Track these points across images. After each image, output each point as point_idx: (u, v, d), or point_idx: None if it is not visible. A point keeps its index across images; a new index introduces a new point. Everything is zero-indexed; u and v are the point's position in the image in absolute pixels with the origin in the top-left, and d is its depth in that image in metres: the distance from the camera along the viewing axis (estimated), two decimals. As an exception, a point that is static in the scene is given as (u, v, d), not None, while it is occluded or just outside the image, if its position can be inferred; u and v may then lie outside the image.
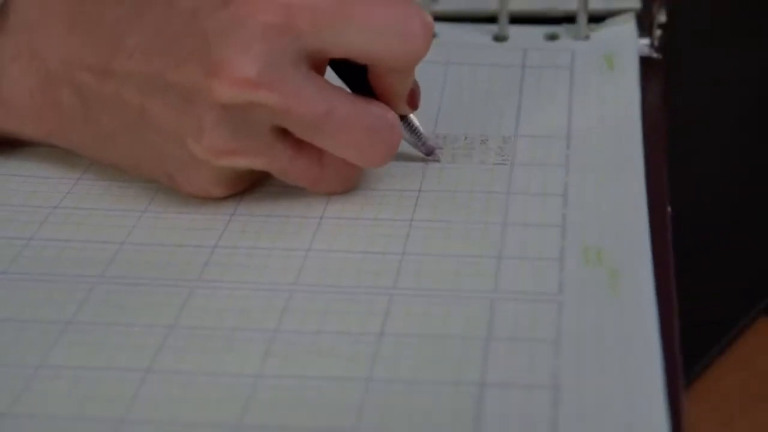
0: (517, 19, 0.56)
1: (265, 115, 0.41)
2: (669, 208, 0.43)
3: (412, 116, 0.44)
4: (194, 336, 0.35)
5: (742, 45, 0.58)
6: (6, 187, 0.45)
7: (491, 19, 0.55)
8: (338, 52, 0.41)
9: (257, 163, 0.42)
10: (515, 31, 0.55)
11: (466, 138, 0.47)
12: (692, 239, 0.43)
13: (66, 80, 0.44)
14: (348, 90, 0.42)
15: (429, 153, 0.46)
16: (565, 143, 0.46)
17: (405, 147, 0.44)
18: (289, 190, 0.43)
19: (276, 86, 0.40)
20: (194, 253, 0.40)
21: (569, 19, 0.55)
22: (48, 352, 0.35)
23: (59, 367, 0.34)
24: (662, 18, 0.54)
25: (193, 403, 0.32)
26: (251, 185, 0.44)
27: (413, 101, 0.44)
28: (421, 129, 0.45)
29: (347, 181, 0.44)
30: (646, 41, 0.54)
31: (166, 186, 0.44)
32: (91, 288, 0.38)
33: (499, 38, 0.55)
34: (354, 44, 0.41)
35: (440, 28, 0.55)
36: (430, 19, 0.42)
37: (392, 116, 0.42)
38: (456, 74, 0.52)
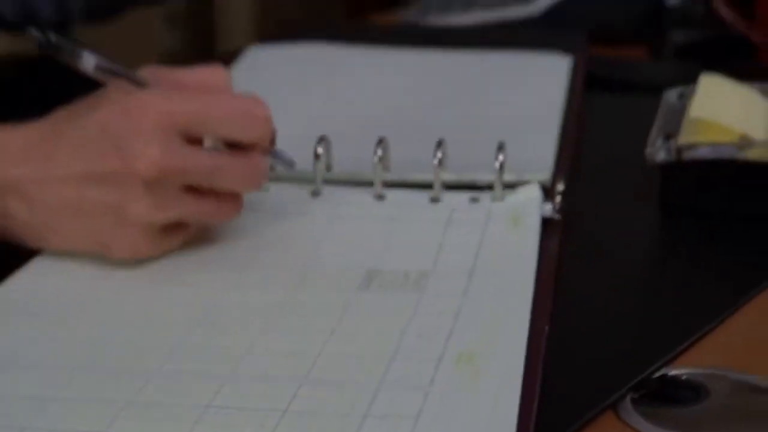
0: (451, 186, 0.60)
1: (173, 179, 0.51)
2: (546, 327, 0.48)
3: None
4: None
5: (629, 212, 0.63)
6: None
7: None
8: (210, 136, 0.52)
9: (177, 215, 0.52)
10: (448, 195, 0.60)
11: (395, 272, 0.52)
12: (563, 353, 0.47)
13: (11, 189, 0.51)
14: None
15: (290, 165, 0.58)
16: (468, 277, 0.52)
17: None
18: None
19: (174, 160, 0.50)
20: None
21: (490, 186, 0.59)
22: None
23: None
24: (561, 187, 0.58)
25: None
26: (172, 246, 0.53)
27: (272, 142, 0.55)
28: (280, 152, 0.57)
29: (238, 206, 0.54)
30: (549, 205, 0.58)
31: (100, 254, 0.52)
32: None
33: (434, 200, 0.59)
34: (217, 132, 0.53)
35: (389, 192, 0.60)
36: (266, 106, 0.53)
37: (259, 159, 0.54)
38: (398, 226, 0.57)
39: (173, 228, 0.53)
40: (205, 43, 2.45)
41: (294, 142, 0.59)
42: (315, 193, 0.60)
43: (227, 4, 2.22)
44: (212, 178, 0.52)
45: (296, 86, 0.78)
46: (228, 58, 0.81)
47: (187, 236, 0.54)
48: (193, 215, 0.53)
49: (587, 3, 0.94)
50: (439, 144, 0.59)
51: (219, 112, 0.52)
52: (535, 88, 0.77)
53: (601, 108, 0.78)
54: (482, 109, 0.74)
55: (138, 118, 0.50)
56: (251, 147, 0.53)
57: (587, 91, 0.79)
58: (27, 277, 0.52)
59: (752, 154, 0.59)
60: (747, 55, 0.85)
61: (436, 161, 0.59)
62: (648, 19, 0.94)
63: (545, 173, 0.61)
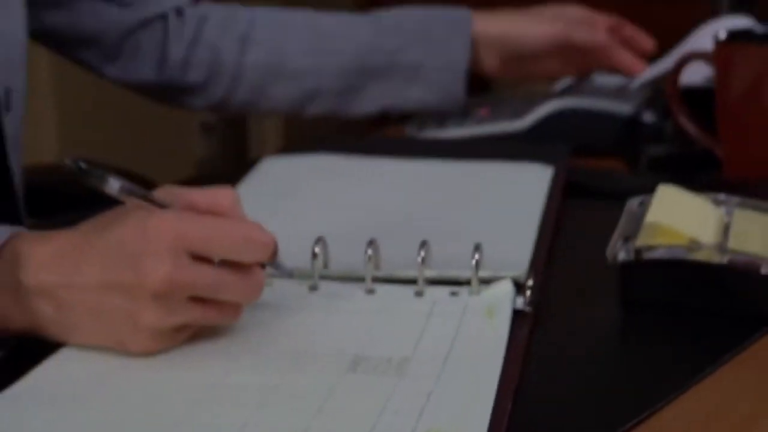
0: (434, 281, 0.63)
1: (180, 292, 0.54)
2: (509, 406, 0.50)
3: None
4: None
5: (594, 305, 0.65)
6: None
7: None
8: (216, 256, 0.55)
9: (183, 321, 0.55)
10: (431, 290, 0.62)
11: (379, 357, 0.55)
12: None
13: (41, 293, 0.55)
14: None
15: (289, 275, 0.62)
16: (443, 363, 0.55)
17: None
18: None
19: (182, 276, 0.54)
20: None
21: (469, 281, 0.62)
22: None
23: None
24: (530, 282, 0.61)
25: None
26: (180, 340, 0.56)
27: (273, 257, 0.58)
28: (281, 264, 0.61)
29: (238, 312, 0.57)
30: (521, 299, 0.61)
31: (116, 349, 0.55)
32: None
33: (418, 294, 0.62)
34: (222, 254, 0.55)
35: (379, 287, 0.63)
36: (267, 231, 0.57)
37: (258, 277, 0.57)
38: (385, 317, 0.60)
39: (180, 328, 0.56)
40: (237, 151, 2.51)
41: (296, 241, 0.63)
42: (312, 288, 0.63)
43: (259, 116, 2.28)
44: (215, 292, 0.55)
45: (301, 192, 0.81)
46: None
47: (193, 333, 0.57)
48: (198, 320, 0.56)
49: (570, 119, 0.97)
50: (423, 244, 0.63)
51: (225, 237, 0.55)
52: (518, 195, 0.80)
53: (578, 213, 0.80)
54: (468, 213, 0.77)
55: (152, 238, 0.53)
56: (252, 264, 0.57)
57: (567, 198, 0.82)
58: (53, 367, 0.55)
59: (700, 256, 0.61)
60: (713, 167, 0.88)
61: (419, 259, 0.62)
62: (626, 134, 0.97)
63: (519, 270, 0.63)
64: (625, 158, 0.94)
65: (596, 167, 0.92)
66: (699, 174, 0.87)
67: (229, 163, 2.41)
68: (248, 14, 1.03)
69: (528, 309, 0.61)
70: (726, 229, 0.64)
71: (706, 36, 0.86)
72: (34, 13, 0.92)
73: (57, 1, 0.96)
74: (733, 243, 0.62)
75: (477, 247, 0.62)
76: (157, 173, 1.15)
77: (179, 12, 1.03)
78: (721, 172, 0.87)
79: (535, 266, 0.66)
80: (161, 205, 0.56)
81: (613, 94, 1.00)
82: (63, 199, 0.84)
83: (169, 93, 1.05)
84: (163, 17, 1.02)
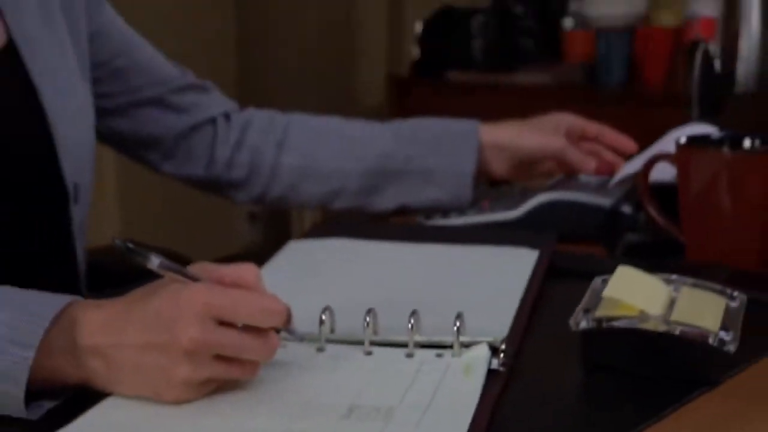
0: (425, 345, 0.69)
1: (207, 352, 0.60)
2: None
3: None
4: None
5: (560, 367, 0.70)
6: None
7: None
8: (238, 322, 0.61)
9: (209, 376, 0.61)
10: (420, 352, 0.68)
11: (370, 406, 0.61)
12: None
13: (93, 352, 0.61)
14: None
15: (300, 340, 0.68)
16: (423, 412, 0.61)
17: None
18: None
19: (209, 339, 0.60)
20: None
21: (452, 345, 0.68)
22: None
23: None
24: (503, 346, 0.67)
25: None
26: (207, 392, 0.62)
27: (287, 323, 0.64)
28: (293, 330, 0.67)
29: (257, 369, 0.63)
30: (495, 360, 0.66)
31: (153, 398, 0.61)
32: None
33: (409, 355, 0.68)
34: (244, 320, 0.62)
35: (376, 349, 0.69)
36: (282, 302, 0.62)
37: (273, 340, 0.63)
38: (379, 374, 0.66)
39: (207, 381, 0.62)
40: (280, 238, 2.59)
41: (308, 310, 0.70)
42: (319, 349, 0.70)
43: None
44: (237, 352, 0.62)
45: (317, 270, 0.88)
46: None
47: (217, 386, 0.63)
48: (222, 376, 0.62)
49: (559, 210, 1.03)
50: (413, 313, 0.69)
51: (246, 306, 0.62)
52: (505, 274, 0.86)
53: (559, 291, 0.85)
54: (460, 288, 0.83)
55: (185, 306, 0.60)
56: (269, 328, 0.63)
57: (551, 278, 0.87)
58: (100, 413, 0.62)
59: (648, 325, 0.67)
60: (679, 253, 0.93)
61: (410, 326, 0.69)
62: (607, 224, 1.02)
63: (496, 336, 0.69)
64: (605, 245, 1.00)
65: (579, 252, 0.97)
66: (666, 258, 0.92)
67: (273, 248, 2.49)
68: (286, 121, 1.11)
69: (501, 368, 0.67)
70: (672, 304, 0.70)
71: (673, 140, 0.93)
72: (103, 120, 1.00)
73: (122, 110, 1.03)
74: (675, 315, 0.68)
75: (459, 316, 0.69)
76: (208, 256, 1.21)
77: (227, 117, 1.10)
78: (685, 257, 0.92)
79: (513, 333, 0.72)
80: (194, 279, 0.63)
81: (596, 188, 1.07)
82: (117, 276, 0.91)
83: (215, 187, 1.12)
84: (212, 121, 1.09)
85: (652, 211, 0.93)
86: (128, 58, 1.01)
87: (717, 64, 1.11)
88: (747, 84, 2.39)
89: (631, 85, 2.41)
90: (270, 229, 2.54)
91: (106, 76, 1.00)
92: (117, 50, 1.00)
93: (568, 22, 2.60)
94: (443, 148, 1.08)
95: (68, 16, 0.91)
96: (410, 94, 2.62)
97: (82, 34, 0.93)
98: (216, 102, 1.10)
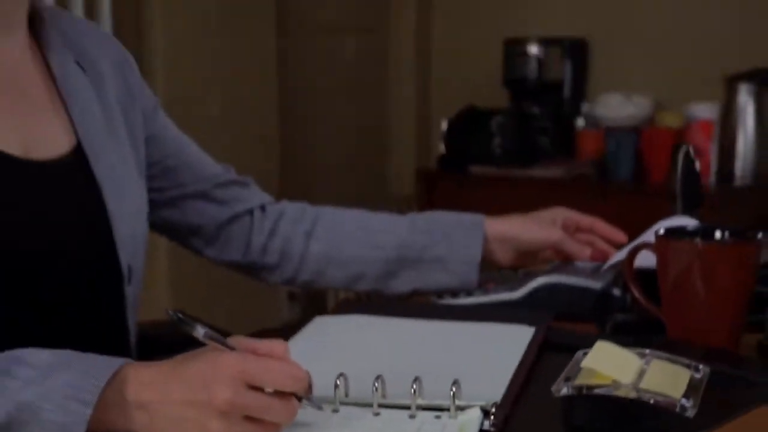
0: (426, 407, 0.74)
1: (238, 411, 0.65)
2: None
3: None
4: None
5: (545, 429, 0.75)
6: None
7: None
8: (266, 387, 0.66)
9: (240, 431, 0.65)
10: (421, 414, 0.73)
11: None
12: None
13: (140, 406, 0.67)
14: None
15: (318, 408, 0.70)
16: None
17: None
18: None
19: (240, 400, 0.65)
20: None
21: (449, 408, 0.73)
22: None
23: None
24: (494, 409, 0.72)
25: None
26: None
27: (309, 389, 0.69)
28: (313, 398, 0.70)
29: (280, 428, 0.67)
30: (487, 421, 0.72)
31: None
32: None
33: (412, 416, 0.73)
34: (271, 385, 0.66)
35: (383, 410, 0.74)
36: (304, 370, 0.67)
37: (295, 404, 0.68)
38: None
39: None
40: (316, 313, 2.63)
41: (326, 377, 0.75)
42: (335, 411, 0.75)
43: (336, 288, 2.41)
44: (263, 414, 0.67)
45: (338, 342, 0.94)
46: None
47: None
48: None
49: (555, 292, 1.09)
50: (416, 379, 0.74)
51: (273, 373, 0.68)
52: (503, 347, 0.90)
53: (553, 363, 0.89)
54: (462, 358, 0.88)
55: (221, 371, 0.66)
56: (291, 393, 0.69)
57: (545, 352, 0.91)
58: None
59: (620, 392, 0.72)
60: (661, 331, 0.97)
61: (412, 391, 0.74)
62: (599, 304, 1.07)
63: (488, 401, 0.74)
64: (597, 323, 1.04)
65: (573, 330, 1.01)
66: (650, 336, 0.96)
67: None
68: (315, 213, 1.17)
69: (492, 429, 0.72)
70: (642, 374, 0.75)
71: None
72: (154, 211, 1.06)
73: (172, 202, 1.09)
74: (644, 384, 0.73)
75: (455, 383, 0.74)
76: (252, 331, 1.25)
77: (263, 208, 1.16)
78: (666, 335, 0.96)
79: (505, 398, 0.76)
80: (231, 348, 0.69)
81: (589, 273, 1.12)
82: (164, 346, 0.97)
83: (251, 270, 1.17)
84: (250, 213, 1.15)
85: (636, 294, 0.98)
86: (178, 158, 1.08)
87: (697, 164, 1.16)
88: (744, 179, 2.45)
89: (638, 180, 2.48)
90: (308, 306, 2.60)
91: (158, 174, 1.06)
92: (169, 151, 1.07)
93: (580, 122, 2.68)
94: (453, 239, 1.14)
95: (128, 123, 0.98)
96: (437, 187, 2.69)
97: (139, 139, 1.00)
98: (254, 195, 1.16)
